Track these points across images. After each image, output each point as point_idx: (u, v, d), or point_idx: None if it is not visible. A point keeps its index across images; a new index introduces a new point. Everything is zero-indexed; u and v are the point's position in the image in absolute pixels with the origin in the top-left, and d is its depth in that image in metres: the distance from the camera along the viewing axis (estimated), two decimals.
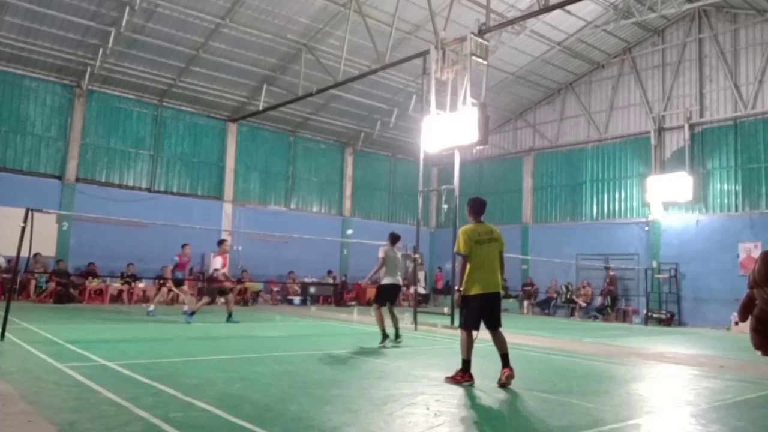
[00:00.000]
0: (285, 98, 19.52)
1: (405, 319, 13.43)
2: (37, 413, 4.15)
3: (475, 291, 6.18)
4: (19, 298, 15.57)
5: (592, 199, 22.38)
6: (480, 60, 13.57)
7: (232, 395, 5.07)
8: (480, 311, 6.22)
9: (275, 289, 21.22)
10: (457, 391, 5.69)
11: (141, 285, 17.67)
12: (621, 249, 21.11)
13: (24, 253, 8.92)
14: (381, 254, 9.65)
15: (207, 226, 18.54)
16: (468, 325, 6.21)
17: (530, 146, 24.52)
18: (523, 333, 12.18)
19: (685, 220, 19.70)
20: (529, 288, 22.69)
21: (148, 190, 19.63)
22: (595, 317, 20.21)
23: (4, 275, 15.18)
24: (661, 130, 20.60)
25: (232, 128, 21.63)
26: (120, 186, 19.08)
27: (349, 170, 24.87)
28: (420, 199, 15.30)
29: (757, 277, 4.18)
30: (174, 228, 15.63)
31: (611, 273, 20.48)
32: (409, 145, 23.67)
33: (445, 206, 16.42)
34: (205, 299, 13.19)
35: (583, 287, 21.23)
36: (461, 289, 6.28)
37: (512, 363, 6.13)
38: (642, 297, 19.75)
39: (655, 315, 18.88)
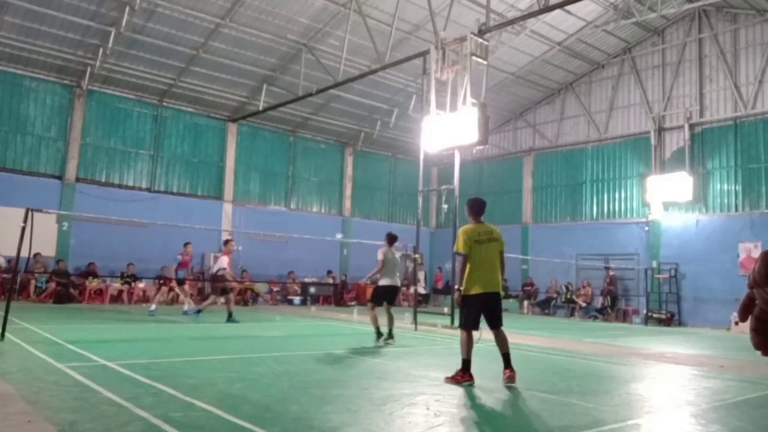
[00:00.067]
0: (285, 98, 19.52)
1: (405, 319, 13.47)
2: (37, 413, 4.15)
3: (475, 291, 6.19)
4: (19, 298, 15.57)
5: (592, 199, 22.38)
6: (480, 60, 13.57)
7: (232, 395, 5.07)
8: (480, 311, 6.24)
9: (275, 289, 21.22)
10: (457, 391, 5.68)
11: (141, 285, 17.68)
12: (621, 249, 21.11)
13: (24, 253, 8.92)
14: (380, 256, 9.62)
15: (207, 226, 18.59)
16: (468, 325, 6.22)
17: (530, 146, 24.53)
18: (523, 333, 12.18)
19: (685, 220, 19.70)
20: (529, 288, 22.69)
21: (148, 190, 19.63)
22: (595, 317, 20.21)
23: (4, 275, 15.19)
24: (661, 130, 20.60)
25: (232, 128, 21.63)
26: (120, 186, 19.08)
27: (349, 170, 24.87)
28: (420, 199, 15.30)
29: (757, 277, 4.17)
30: (174, 228, 15.63)
31: (611, 273, 20.48)
32: (409, 145, 23.67)
33: (445, 206, 16.41)
34: (213, 298, 13.34)
35: (583, 287, 21.23)
36: (461, 288, 6.29)
37: (512, 363, 6.14)
38: (642, 297, 19.75)
39: (655, 315, 18.89)
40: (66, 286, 16.38)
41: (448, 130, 13.50)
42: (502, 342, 6.22)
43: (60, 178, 18.05)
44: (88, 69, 17.75)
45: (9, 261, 15.15)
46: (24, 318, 10.63)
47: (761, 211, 18.08)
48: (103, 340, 8.76)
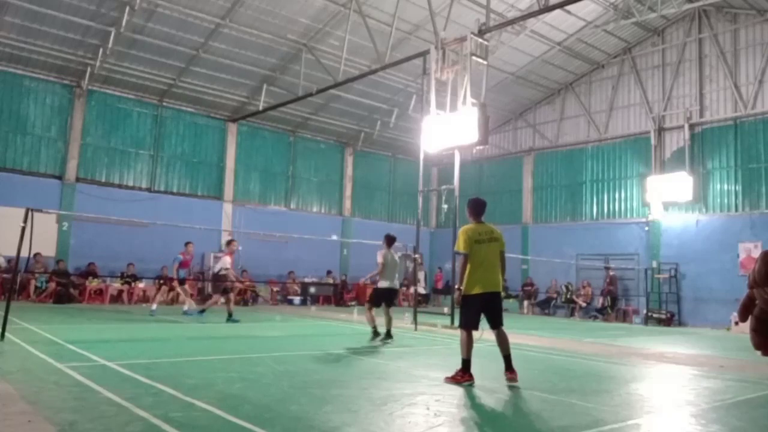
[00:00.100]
0: (285, 98, 19.52)
1: (405, 319, 13.47)
2: (37, 413, 4.15)
3: (475, 291, 6.19)
4: (19, 298, 15.57)
5: (592, 199, 22.38)
6: (480, 60, 13.57)
7: (232, 395, 5.07)
8: (480, 311, 6.24)
9: (275, 289, 21.23)
10: (457, 391, 5.69)
11: (141, 285, 17.68)
12: (621, 249, 21.11)
13: (24, 253, 8.92)
14: (380, 259, 9.58)
15: (207, 226, 18.60)
16: (468, 325, 6.22)
17: (530, 146, 24.53)
18: (523, 333, 12.17)
19: (685, 220, 19.70)
20: (529, 288, 22.69)
21: (148, 190, 19.63)
22: (595, 317, 20.21)
23: (4, 275, 15.19)
24: (661, 130, 20.60)
25: (232, 128, 21.63)
26: (120, 186, 19.08)
27: (349, 170, 24.87)
28: (420, 199, 15.29)
29: (757, 277, 4.18)
30: (174, 228, 15.62)
31: (611, 273, 20.48)
32: (409, 145, 23.67)
33: (445, 206, 16.41)
34: (215, 297, 13.40)
35: (583, 287, 21.23)
36: (461, 288, 6.29)
37: (513, 363, 6.15)
38: (642, 297, 19.75)
39: (655, 315, 18.89)
40: (66, 286, 16.38)
41: (448, 130, 13.50)
42: (503, 342, 6.23)
43: (60, 178, 18.05)
44: (88, 69, 17.75)
45: (9, 261, 15.15)
46: (24, 318, 10.64)
47: (761, 211, 18.08)
48: (103, 340, 8.77)
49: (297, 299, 20.87)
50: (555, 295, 21.95)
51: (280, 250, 21.38)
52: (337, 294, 22.18)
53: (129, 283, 17.50)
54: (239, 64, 18.85)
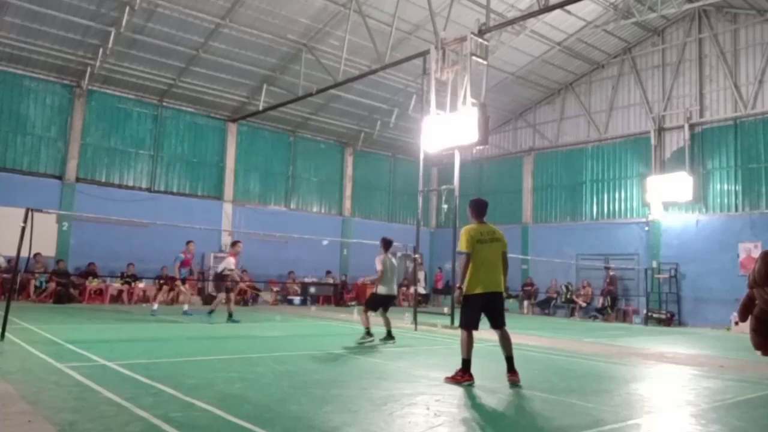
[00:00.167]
0: (285, 98, 19.52)
1: (405, 319, 13.47)
2: (37, 413, 4.15)
3: (477, 290, 6.19)
4: (19, 298, 15.57)
5: (592, 199, 22.38)
6: (480, 60, 13.57)
7: (232, 395, 5.07)
8: (481, 311, 6.24)
9: (275, 289, 21.22)
10: (457, 391, 5.69)
11: (141, 285, 17.68)
12: (621, 249, 21.11)
13: (24, 253, 8.92)
14: (379, 266, 9.49)
15: (207, 226, 18.59)
16: (468, 325, 6.22)
17: (530, 146, 24.52)
18: (523, 333, 12.16)
19: (685, 220, 19.70)
20: (529, 288, 22.69)
21: (148, 190, 19.63)
22: (595, 317, 20.21)
23: (4, 275, 15.19)
24: (661, 130, 20.60)
25: (232, 128, 21.63)
26: (120, 186, 19.08)
27: (349, 170, 24.87)
28: (420, 199, 15.29)
29: (757, 277, 4.18)
30: (174, 228, 15.62)
31: (611, 273, 20.47)
32: (409, 145, 23.67)
33: (445, 206, 16.41)
34: (220, 296, 13.40)
35: (583, 287, 21.23)
36: (462, 287, 6.29)
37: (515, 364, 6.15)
38: (642, 297, 19.74)
39: (655, 315, 18.88)
40: (66, 286, 16.38)
41: (448, 130, 13.50)
42: (506, 343, 6.23)
43: (60, 178, 18.05)
44: (88, 69, 17.74)
45: (9, 261, 15.15)
46: (24, 318, 10.64)
47: (761, 211, 18.08)
48: (103, 340, 8.76)
49: (297, 299, 20.87)
50: (555, 295, 21.95)
51: (280, 250, 21.37)
52: (337, 294, 22.18)
53: (129, 283, 17.50)
54: (239, 64, 18.85)
